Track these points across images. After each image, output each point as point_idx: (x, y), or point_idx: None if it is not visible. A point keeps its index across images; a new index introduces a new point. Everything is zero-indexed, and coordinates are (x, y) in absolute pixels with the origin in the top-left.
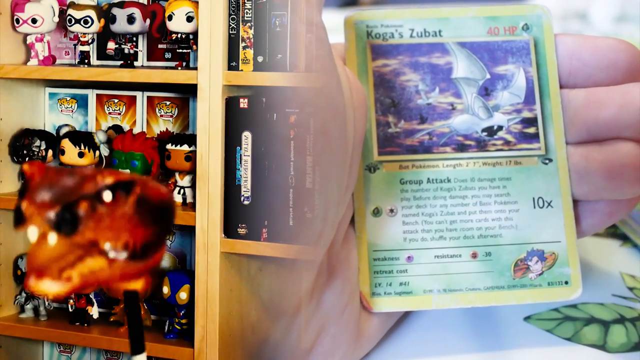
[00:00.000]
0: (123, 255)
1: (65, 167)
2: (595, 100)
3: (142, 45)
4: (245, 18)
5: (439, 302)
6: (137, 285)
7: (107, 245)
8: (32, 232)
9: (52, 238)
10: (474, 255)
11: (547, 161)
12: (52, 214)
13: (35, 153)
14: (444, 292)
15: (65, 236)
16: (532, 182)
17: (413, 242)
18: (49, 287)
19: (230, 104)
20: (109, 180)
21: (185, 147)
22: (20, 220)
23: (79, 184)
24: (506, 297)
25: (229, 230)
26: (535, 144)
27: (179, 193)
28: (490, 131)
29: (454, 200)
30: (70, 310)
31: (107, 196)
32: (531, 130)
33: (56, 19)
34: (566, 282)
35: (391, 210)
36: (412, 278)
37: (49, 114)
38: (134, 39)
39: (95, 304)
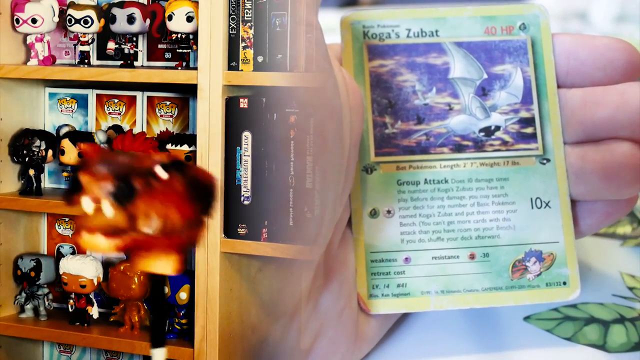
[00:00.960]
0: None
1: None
2: (592, 100)
3: (142, 45)
4: (245, 18)
5: (437, 303)
6: (171, 263)
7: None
8: (87, 203)
9: (107, 208)
10: (472, 256)
11: (544, 161)
12: (110, 185)
13: (35, 153)
14: (442, 294)
15: (121, 206)
16: (530, 183)
17: (410, 244)
18: (99, 242)
19: (230, 104)
20: (163, 159)
21: (185, 147)
22: (76, 190)
23: (134, 161)
24: (504, 298)
25: (229, 230)
26: (532, 144)
27: None
28: (488, 131)
29: (451, 201)
30: (70, 310)
31: (162, 173)
32: (529, 130)
33: (56, 19)
34: (564, 283)
35: (388, 212)
36: (409, 279)
37: (49, 114)
38: (134, 39)
39: (95, 304)
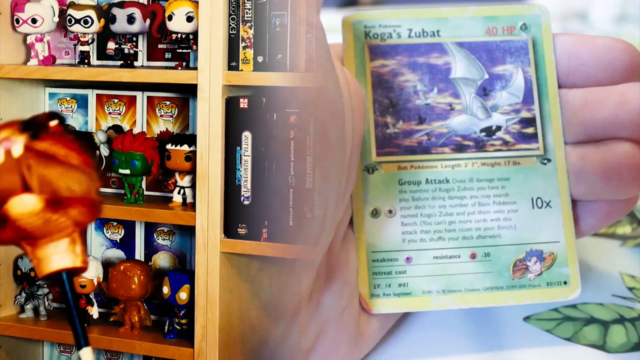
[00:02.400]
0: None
1: None
2: (593, 100)
3: (142, 45)
4: (245, 18)
5: (438, 303)
6: (73, 251)
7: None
8: None
9: (18, 146)
10: (473, 256)
11: (545, 161)
12: (18, 125)
13: None
14: (443, 293)
15: (31, 139)
16: (531, 183)
17: (412, 243)
18: (27, 201)
19: (230, 104)
20: (44, 115)
21: (185, 147)
22: None
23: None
24: (505, 297)
25: (229, 230)
26: (533, 144)
27: (179, 193)
28: (489, 131)
29: (452, 200)
30: None
31: (53, 122)
32: (530, 130)
33: (56, 19)
34: (565, 282)
35: (390, 211)
36: (411, 279)
37: None
38: (134, 39)
39: (95, 304)
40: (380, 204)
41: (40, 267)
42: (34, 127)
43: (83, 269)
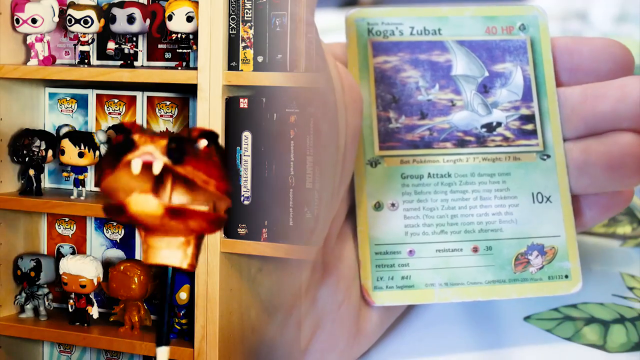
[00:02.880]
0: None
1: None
2: (593, 94)
3: (142, 45)
4: (245, 18)
5: (440, 295)
6: (185, 254)
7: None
8: (137, 163)
9: (158, 165)
10: (475, 250)
11: (545, 157)
12: (165, 144)
13: (35, 153)
14: (446, 286)
15: (173, 164)
16: (531, 178)
17: (414, 236)
18: (150, 202)
19: (230, 104)
20: (203, 128)
21: None
22: (130, 147)
23: (176, 132)
24: (507, 290)
25: (229, 230)
26: (533, 140)
27: None
28: (490, 127)
29: (454, 194)
30: (70, 310)
31: (203, 142)
32: (529, 127)
33: (56, 19)
34: (566, 276)
35: (392, 205)
36: (413, 272)
37: (49, 114)
38: (134, 39)
39: (95, 304)
40: (383, 198)
41: (147, 255)
42: (180, 149)
43: (189, 271)
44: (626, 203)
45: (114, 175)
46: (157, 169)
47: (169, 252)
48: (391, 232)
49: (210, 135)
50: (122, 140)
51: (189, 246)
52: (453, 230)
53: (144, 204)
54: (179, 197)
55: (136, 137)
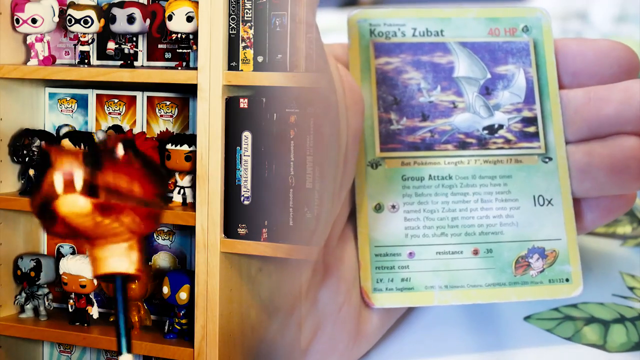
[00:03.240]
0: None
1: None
2: (596, 98)
3: (142, 45)
4: (245, 18)
5: (440, 298)
6: (130, 259)
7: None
8: (58, 178)
9: (79, 177)
10: (476, 252)
11: (547, 160)
12: (80, 156)
13: (35, 153)
14: (446, 289)
15: (92, 172)
16: (533, 180)
17: (414, 238)
18: (79, 201)
19: (230, 104)
20: (119, 137)
21: (185, 147)
22: (47, 165)
23: (97, 145)
24: (507, 293)
25: (229, 230)
26: (535, 142)
27: (179, 193)
28: (491, 129)
29: (455, 197)
30: (70, 310)
31: (120, 150)
32: (531, 129)
33: (56, 19)
34: (567, 280)
35: (393, 206)
36: (413, 274)
37: (49, 114)
38: (134, 39)
39: (95, 304)
40: (384, 199)
41: (94, 267)
42: (96, 158)
43: (137, 276)
44: (628, 206)
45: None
46: (78, 181)
47: (115, 260)
48: (391, 234)
49: (126, 142)
50: (40, 157)
51: (133, 251)
52: (453, 232)
53: (73, 203)
54: (105, 194)
55: (52, 153)
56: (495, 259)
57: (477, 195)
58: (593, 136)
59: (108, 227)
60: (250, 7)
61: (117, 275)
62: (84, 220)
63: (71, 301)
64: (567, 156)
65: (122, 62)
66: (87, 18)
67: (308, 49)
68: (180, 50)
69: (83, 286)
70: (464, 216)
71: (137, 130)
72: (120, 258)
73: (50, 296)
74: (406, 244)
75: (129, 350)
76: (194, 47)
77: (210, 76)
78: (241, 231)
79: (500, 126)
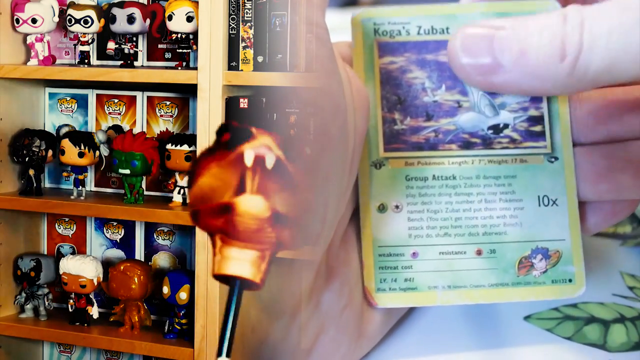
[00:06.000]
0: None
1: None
2: (615, 100)
3: (142, 45)
4: (245, 18)
5: (443, 298)
6: (254, 266)
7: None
8: (250, 155)
9: (271, 158)
10: (479, 252)
11: (552, 159)
12: (280, 139)
13: (35, 153)
14: (449, 289)
15: (286, 162)
16: (538, 180)
17: (418, 239)
18: (259, 203)
19: (230, 104)
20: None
21: (185, 147)
22: (246, 138)
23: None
24: (510, 294)
25: None
26: (541, 142)
27: (179, 193)
28: (496, 129)
29: (459, 197)
30: (70, 310)
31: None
32: (537, 128)
33: (56, 19)
34: (570, 280)
35: (396, 207)
36: (417, 274)
37: (49, 114)
38: (134, 39)
39: (95, 304)
40: (387, 199)
41: (220, 264)
42: (293, 146)
43: (258, 286)
44: (631, 210)
45: (213, 171)
46: (270, 163)
47: (243, 264)
48: (395, 234)
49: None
50: (236, 131)
51: (263, 262)
52: (457, 232)
53: (253, 205)
54: (281, 203)
55: (253, 129)
56: (498, 259)
57: (480, 195)
58: (611, 139)
59: (265, 235)
60: (250, 7)
61: (238, 279)
62: (252, 223)
63: (71, 301)
64: (577, 158)
65: (122, 62)
66: (87, 18)
67: (309, 49)
68: (180, 50)
69: (83, 286)
70: (467, 216)
71: (137, 130)
72: (249, 264)
73: (50, 296)
74: (410, 244)
75: (229, 355)
76: (194, 47)
77: (210, 76)
78: None
79: (506, 125)
